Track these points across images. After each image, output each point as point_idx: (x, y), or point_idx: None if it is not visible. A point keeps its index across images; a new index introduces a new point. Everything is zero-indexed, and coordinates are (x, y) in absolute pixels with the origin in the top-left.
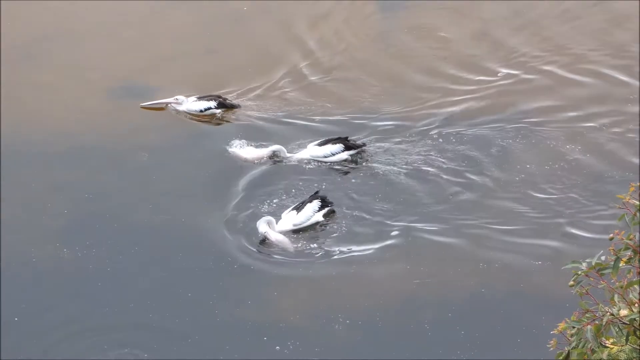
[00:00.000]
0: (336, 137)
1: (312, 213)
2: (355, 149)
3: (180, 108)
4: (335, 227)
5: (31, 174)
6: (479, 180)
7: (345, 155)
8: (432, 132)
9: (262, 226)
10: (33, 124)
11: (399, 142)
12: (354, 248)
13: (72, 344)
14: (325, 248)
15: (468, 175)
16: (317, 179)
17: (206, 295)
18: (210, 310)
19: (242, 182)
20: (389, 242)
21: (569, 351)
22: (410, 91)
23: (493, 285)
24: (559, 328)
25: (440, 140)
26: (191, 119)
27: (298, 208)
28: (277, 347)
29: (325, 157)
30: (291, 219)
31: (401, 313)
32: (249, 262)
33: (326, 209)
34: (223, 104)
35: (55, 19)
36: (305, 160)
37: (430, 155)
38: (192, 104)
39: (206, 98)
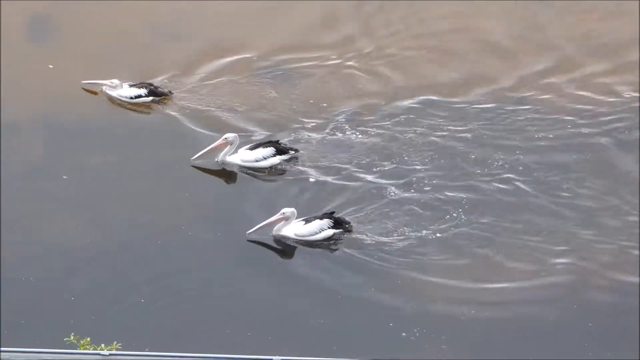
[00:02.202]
0: (267, 140)
1: (317, 229)
2: (286, 152)
3: (113, 93)
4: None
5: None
6: (588, 197)
7: (277, 159)
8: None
9: (290, 210)
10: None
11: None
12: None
13: (209, 326)
14: (459, 244)
15: (573, 192)
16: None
17: (329, 280)
18: (334, 294)
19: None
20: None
21: None
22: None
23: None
24: None
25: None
26: (123, 106)
27: (307, 220)
28: (403, 334)
29: (257, 161)
30: (295, 228)
31: (530, 307)
32: (369, 252)
33: (338, 230)
34: (154, 92)
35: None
36: (235, 165)
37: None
38: (123, 90)
39: (137, 85)
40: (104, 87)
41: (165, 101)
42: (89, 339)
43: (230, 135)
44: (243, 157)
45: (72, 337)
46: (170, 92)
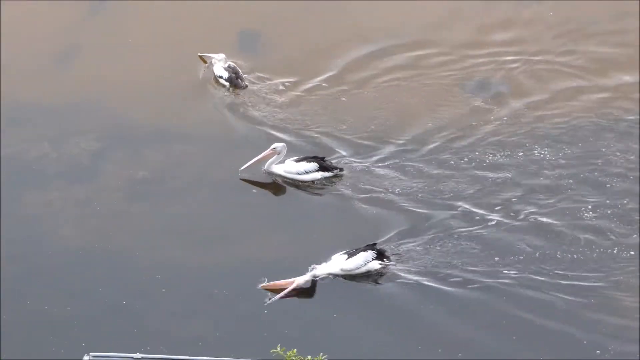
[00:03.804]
0: (313, 155)
1: (363, 262)
2: (330, 170)
3: (213, 66)
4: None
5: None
6: None
7: (318, 175)
8: None
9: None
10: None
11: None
12: None
13: None
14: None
15: None
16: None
17: (511, 301)
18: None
19: None
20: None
21: None
22: None
23: None
24: None
25: None
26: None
27: (350, 254)
28: (598, 351)
29: (298, 174)
30: (340, 263)
31: None
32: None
33: (381, 262)
34: (231, 80)
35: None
36: (279, 175)
37: None
38: (216, 67)
39: (226, 69)
40: (212, 60)
41: (237, 93)
42: (295, 350)
43: (278, 145)
44: (286, 168)
45: (278, 349)
46: (245, 85)
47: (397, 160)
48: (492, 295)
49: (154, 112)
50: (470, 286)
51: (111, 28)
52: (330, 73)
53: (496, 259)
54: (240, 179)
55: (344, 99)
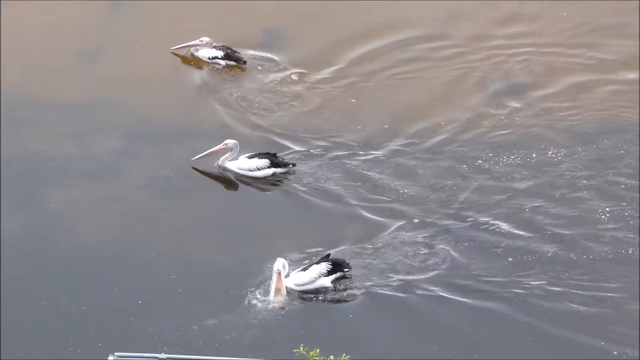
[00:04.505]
0: (265, 152)
1: (316, 275)
2: (282, 166)
3: (197, 53)
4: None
5: None
6: None
7: (270, 171)
8: None
9: (278, 264)
10: None
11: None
12: None
13: None
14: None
15: None
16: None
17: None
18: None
19: None
20: None
21: None
22: None
23: None
24: None
25: None
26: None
27: (305, 268)
28: (615, 352)
29: (250, 170)
30: (294, 278)
31: None
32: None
33: (337, 274)
34: (229, 56)
35: None
36: (232, 171)
37: None
38: (204, 50)
39: (218, 47)
40: (192, 49)
41: (241, 69)
42: (318, 350)
43: (230, 142)
44: (239, 164)
45: (301, 349)
46: (245, 61)
47: (404, 157)
48: (506, 302)
49: (176, 111)
50: (485, 293)
51: (134, 27)
52: (344, 67)
53: (509, 260)
54: (193, 168)
55: (353, 100)
